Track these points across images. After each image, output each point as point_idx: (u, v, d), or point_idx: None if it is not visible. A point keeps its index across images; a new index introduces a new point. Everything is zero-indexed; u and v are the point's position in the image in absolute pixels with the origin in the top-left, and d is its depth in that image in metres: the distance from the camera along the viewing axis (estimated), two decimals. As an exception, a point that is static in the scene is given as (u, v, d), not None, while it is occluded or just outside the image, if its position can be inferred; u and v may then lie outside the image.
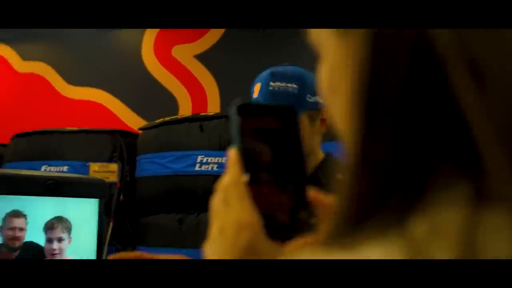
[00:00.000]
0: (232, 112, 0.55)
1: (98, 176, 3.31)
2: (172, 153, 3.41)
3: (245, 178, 0.54)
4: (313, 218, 0.57)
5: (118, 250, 3.57)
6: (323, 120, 1.49)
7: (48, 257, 1.80)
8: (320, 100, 1.41)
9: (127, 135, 4.00)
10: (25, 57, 6.03)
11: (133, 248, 3.66)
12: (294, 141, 0.57)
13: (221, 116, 3.30)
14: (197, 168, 3.25)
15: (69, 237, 1.84)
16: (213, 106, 4.79)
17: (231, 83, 4.73)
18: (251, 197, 0.55)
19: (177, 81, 5.09)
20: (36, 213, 1.84)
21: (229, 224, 0.55)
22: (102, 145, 3.74)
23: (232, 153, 0.55)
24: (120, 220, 3.49)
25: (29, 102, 5.77)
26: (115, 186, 3.54)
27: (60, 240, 1.82)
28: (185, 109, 5.01)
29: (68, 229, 1.85)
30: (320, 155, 1.53)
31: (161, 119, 3.70)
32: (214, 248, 0.57)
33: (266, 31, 4.59)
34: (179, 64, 5.08)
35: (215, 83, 4.89)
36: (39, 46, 6.04)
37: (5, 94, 5.88)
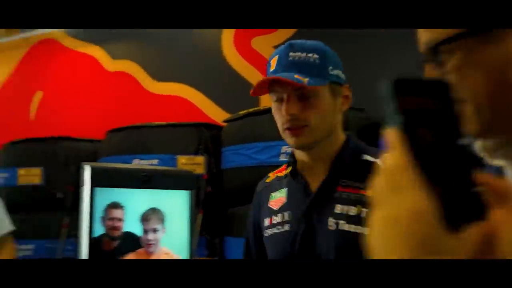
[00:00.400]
0: (388, 88, 0.51)
1: (186, 168, 3.41)
2: (256, 144, 3.46)
3: (413, 161, 0.48)
4: (485, 202, 0.51)
5: (207, 241, 3.66)
6: (345, 97, 1.35)
7: (145, 247, 1.88)
8: (342, 75, 1.35)
9: (212, 128, 4.08)
10: (114, 56, 6.23)
11: (221, 239, 3.74)
12: (454, 122, 0.52)
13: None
14: (281, 158, 3.24)
15: (163, 228, 1.90)
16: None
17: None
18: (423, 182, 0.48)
19: (258, 72, 5.13)
20: (133, 204, 1.91)
21: (403, 214, 0.49)
22: (188, 138, 3.83)
23: (393, 134, 0.50)
24: (208, 211, 3.56)
25: (119, 99, 5.96)
26: (202, 178, 3.62)
27: (155, 231, 1.89)
28: (267, 100, 5.02)
29: (162, 220, 1.92)
30: (341, 136, 1.39)
31: (244, 111, 3.74)
32: (383, 240, 0.51)
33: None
34: (259, 55, 5.12)
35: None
36: (126, 45, 6.24)
37: (97, 92, 6.11)
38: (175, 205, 1.99)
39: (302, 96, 1.29)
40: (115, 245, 1.82)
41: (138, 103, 5.81)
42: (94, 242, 1.76)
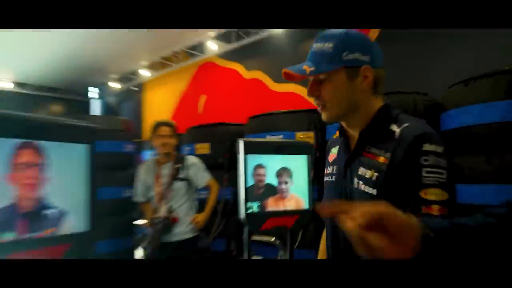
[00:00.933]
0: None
1: (303, 140, 3.38)
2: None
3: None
4: None
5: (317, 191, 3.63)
6: (365, 77, 1.09)
7: (279, 193, 1.87)
8: (363, 57, 1.08)
9: (318, 112, 4.00)
10: (248, 68, 6.30)
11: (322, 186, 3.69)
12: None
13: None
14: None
15: (291, 181, 1.88)
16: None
17: (388, 74, 4.49)
18: None
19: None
20: (271, 165, 1.90)
21: None
22: (302, 120, 3.78)
23: None
24: (317, 169, 3.53)
25: (254, 96, 6.03)
26: (313, 147, 3.57)
27: (286, 182, 1.88)
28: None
29: (290, 175, 1.90)
30: (374, 107, 1.13)
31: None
32: None
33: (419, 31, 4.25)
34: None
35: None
36: (256, 60, 6.29)
37: (240, 92, 6.23)
38: (298, 165, 1.96)
39: (319, 81, 1.12)
40: (261, 191, 1.83)
41: (266, 99, 5.86)
42: (247, 189, 1.78)
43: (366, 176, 1.06)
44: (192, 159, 3.15)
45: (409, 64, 4.32)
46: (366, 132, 1.13)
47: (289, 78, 1.18)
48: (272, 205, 1.86)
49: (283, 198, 1.96)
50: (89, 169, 1.12)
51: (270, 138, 3.63)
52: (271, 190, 1.87)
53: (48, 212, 1.02)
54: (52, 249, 1.02)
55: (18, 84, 9.25)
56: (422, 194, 0.92)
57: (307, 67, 1.13)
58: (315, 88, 1.15)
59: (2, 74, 8.67)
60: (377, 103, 1.14)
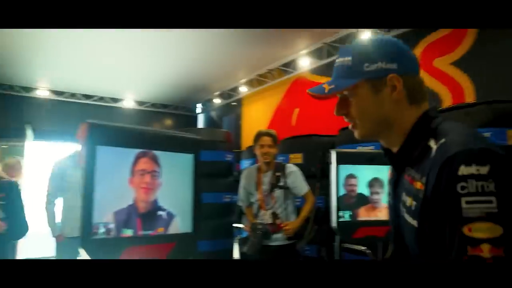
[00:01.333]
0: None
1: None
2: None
3: None
4: None
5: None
6: (393, 87, 0.90)
7: (371, 203, 1.78)
8: (387, 66, 0.90)
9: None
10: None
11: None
12: None
13: (481, 103, 2.82)
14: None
15: (383, 191, 1.79)
16: (470, 99, 4.20)
17: (483, 80, 4.10)
18: None
19: (439, 82, 4.63)
20: (362, 175, 1.83)
21: None
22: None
23: None
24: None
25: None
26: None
27: (377, 193, 1.79)
28: (447, 103, 4.52)
29: (382, 186, 1.81)
30: (408, 121, 0.91)
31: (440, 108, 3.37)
32: None
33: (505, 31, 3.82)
34: (439, 71, 4.60)
35: (469, 81, 4.28)
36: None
37: (330, 106, 6.12)
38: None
39: (344, 97, 0.98)
40: (352, 201, 1.76)
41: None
42: (339, 198, 1.72)
43: (407, 204, 0.87)
44: (291, 168, 3.06)
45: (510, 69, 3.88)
46: (402, 151, 0.93)
47: (316, 98, 1.05)
48: (364, 214, 1.78)
49: (375, 208, 1.87)
50: (194, 176, 1.17)
51: (361, 149, 3.51)
52: (363, 200, 1.79)
53: (159, 213, 1.09)
54: (160, 246, 1.08)
55: (138, 102, 10.16)
56: (466, 231, 0.69)
57: (326, 85, 0.99)
58: (340, 106, 1.00)
59: (126, 94, 9.61)
60: (414, 114, 0.93)
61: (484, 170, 0.70)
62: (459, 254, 0.69)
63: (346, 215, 1.72)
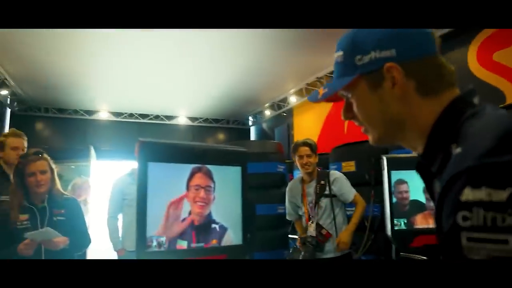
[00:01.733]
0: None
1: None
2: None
3: None
4: None
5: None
6: (393, 79, 0.71)
7: (428, 210, 1.72)
8: (381, 54, 0.71)
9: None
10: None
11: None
12: None
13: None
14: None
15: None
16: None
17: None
18: None
19: (501, 78, 4.34)
20: (415, 181, 1.78)
21: None
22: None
23: None
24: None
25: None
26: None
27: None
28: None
29: (439, 191, 1.74)
30: (426, 118, 0.70)
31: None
32: None
33: None
34: (501, 65, 4.32)
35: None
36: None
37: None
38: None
39: (348, 99, 0.81)
40: (407, 208, 1.71)
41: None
42: (393, 205, 1.68)
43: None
44: (335, 174, 3.02)
45: None
46: (423, 158, 0.74)
47: (326, 101, 0.87)
48: (420, 222, 1.72)
49: (432, 215, 1.79)
50: (242, 188, 1.20)
51: (415, 153, 3.36)
52: (419, 207, 1.73)
53: (213, 226, 1.13)
54: (212, 258, 1.12)
55: (191, 119, 10.51)
56: None
57: (322, 89, 0.84)
58: (346, 109, 0.83)
59: (179, 111, 9.99)
60: (434, 108, 0.71)
61: (499, 196, 0.48)
62: None
63: (401, 223, 1.67)
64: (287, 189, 3.20)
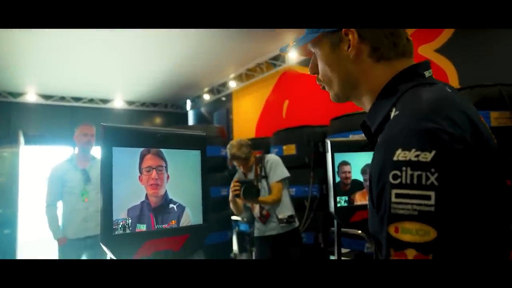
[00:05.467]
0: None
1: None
2: None
3: None
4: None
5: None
6: (349, 41, 0.77)
7: (365, 188, 1.86)
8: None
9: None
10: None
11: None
12: None
13: (464, 88, 2.92)
14: None
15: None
16: (454, 84, 4.32)
17: (465, 65, 4.21)
18: None
19: (425, 70, 4.72)
20: (356, 162, 1.90)
21: None
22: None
23: None
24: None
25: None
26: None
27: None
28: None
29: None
30: (377, 83, 0.76)
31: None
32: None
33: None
34: (424, 58, 4.67)
35: (453, 67, 4.39)
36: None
37: (321, 97, 6.19)
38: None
39: (315, 55, 0.87)
40: (347, 188, 1.84)
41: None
42: (335, 185, 1.79)
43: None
44: (269, 157, 3.24)
45: (492, 54, 4.00)
46: (367, 120, 0.80)
47: (301, 55, 0.98)
48: (359, 199, 1.86)
49: (367, 193, 1.96)
50: (202, 170, 1.23)
51: (353, 137, 3.59)
52: (358, 186, 1.87)
53: (171, 206, 1.16)
54: (175, 238, 1.15)
55: (128, 102, 10.13)
56: (392, 230, 0.55)
57: (291, 42, 0.90)
58: (311, 65, 0.89)
59: (115, 95, 9.58)
60: (386, 73, 0.76)
61: (425, 156, 0.54)
62: (384, 256, 0.57)
63: (342, 201, 1.80)
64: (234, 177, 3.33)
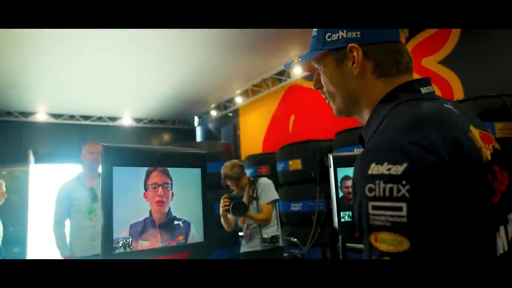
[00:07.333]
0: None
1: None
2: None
3: None
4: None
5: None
6: (354, 58, 0.79)
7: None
8: (348, 34, 0.79)
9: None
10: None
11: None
12: None
13: (468, 99, 2.91)
14: None
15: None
16: (459, 95, 4.31)
17: (469, 76, 4.21)
18: None
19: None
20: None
21: None
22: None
23: None
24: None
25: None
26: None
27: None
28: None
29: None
30: (375, 99, 0.79)
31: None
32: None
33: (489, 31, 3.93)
34: (428, 70, 4.70)
35: (457, 78, 4.38)
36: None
37: (325, 111, 6.20)
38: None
39: (318, 71, 0.90)
40: (351, 203, 1.84)
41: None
42: (339, 200, 1.79)
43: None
44: (261, 180, 3.43)
45: (496, 64, 3.99)
46: (363, 132, 0.84)
47: (304, 70, 1.01)
48: (363, 214, 1.86)
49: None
50: (202, 187, 1.24)
51: (358, 151, 3.59)
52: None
53: (176, 223, 1.17)
54: (177, 256, 1.16)
55: (136, 120, 10.24)
56: (373, 240, 0.58)
57: (296, 59, 0.93)
58: (316, 80, 0.92)
59: (123, 112, 9.70)
60: (383, 89, 0.79)
61: (396, 169, 0.56)
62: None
63: (346, 216, 1.80)
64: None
